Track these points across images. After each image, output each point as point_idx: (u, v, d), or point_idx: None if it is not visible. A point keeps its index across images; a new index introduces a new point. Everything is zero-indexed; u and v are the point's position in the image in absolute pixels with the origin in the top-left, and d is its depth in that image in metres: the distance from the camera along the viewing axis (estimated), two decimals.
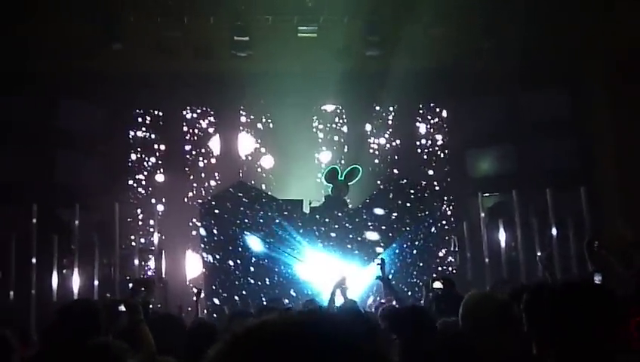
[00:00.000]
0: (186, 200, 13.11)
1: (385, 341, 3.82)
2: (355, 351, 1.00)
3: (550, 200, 11.18)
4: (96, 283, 10.68)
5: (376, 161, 13.83)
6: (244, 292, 9.65)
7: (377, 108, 13.92)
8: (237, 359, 0.98)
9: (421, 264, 10.40)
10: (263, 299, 9.18)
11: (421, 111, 14.19)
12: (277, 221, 9.93)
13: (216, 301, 9.58)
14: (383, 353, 1.07)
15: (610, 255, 5.60)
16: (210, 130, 13.67)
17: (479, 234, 11.78)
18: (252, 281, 9.81)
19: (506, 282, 8.62)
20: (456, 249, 12.66)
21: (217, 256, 10.02)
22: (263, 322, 1.04)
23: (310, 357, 0.97)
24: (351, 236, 10.22)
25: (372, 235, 10.29)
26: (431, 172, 13.96)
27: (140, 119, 13.42)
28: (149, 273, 11.65)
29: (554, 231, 11.22)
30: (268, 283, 9.76)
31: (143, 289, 4.93)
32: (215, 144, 13.63)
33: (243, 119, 13.77)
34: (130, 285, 5.60)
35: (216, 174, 13.48)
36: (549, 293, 3.63)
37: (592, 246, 5.35)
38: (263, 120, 13.74)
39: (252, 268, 9.86)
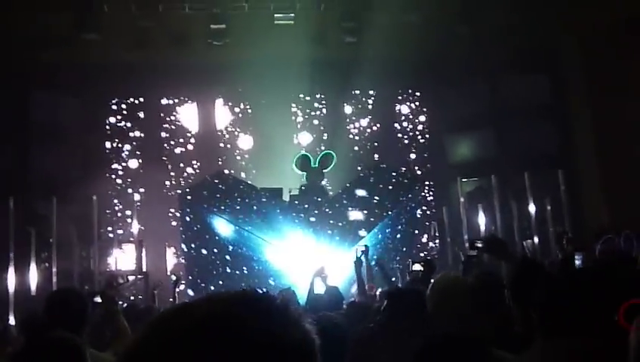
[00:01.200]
0: (164, 190, 13.04)
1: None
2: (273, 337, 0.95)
3: (528, 183, 11.25)
4: (75, 276, 10.58)
5: (356, 147, 13.83)
6: (220, 282, 9.61)
7: (356, 93, 13.90)
8: (151, 344, 0.96)
9: (403, 249, 10.43)
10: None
11: (400, 98, 14.19)
12: (256, 209, 9.88)
13: (190, 292, 9.52)
14: (309, 342, 1.01)
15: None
16: (188, 118, 13.57)
17: (459, 219, 11.83)
18: (229, 270, 9.76)
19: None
20: (437, 234, 12.71)
21: (195, 245, 9.97)
22: (187, 305, 1.02)
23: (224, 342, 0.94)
24: (331, 221, 10.17)
25: (353, 218, 10.25)
26: (412, 157, 14.00)
27: (115, 108, 13.29)
28: (130, 265, 11.56)
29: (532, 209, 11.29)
30: (246, 271, 9.70)
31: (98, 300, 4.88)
32: (193, 132, 13.54)
33: (221, 106, 13.69)
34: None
35: (194, 163, 13.40)
36: (543, 271, 3.66)
37: (562, 241, 5.41)
38: (242, 106, 13.66)
39: (230, 257, 9.80)
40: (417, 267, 5.56)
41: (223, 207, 9.82)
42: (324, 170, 11.32)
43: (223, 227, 9.81)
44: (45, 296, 4.60)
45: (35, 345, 2.56)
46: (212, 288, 8.33)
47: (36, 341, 2.66)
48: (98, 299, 4.93)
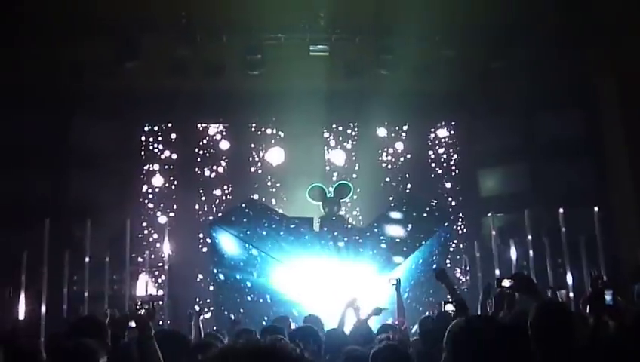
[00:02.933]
0: (196, 216, 13.18)
1: None
2: None
3: (562, 219, 11.07)
4: (106, 299, 10.69)
5: (388, 178, 13.82)
6: (241, 310, 9.54)
7: (389, 125, 13.95)
8: None
9: (435, 282, 10.25)
10: (265, 317, 9.08)
11: (433, 130, 14.18)
12: (283, 236, 9.87)
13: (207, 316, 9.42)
14: None
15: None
16: (224, 146, 13.74)
17: (490, 253, 11.67)
18: (251, 298, 9.69)
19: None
20: (468, 268, 12.56)
21: (220, 271, 9.98)
22: (228, 347, 1.05)
23: None
24: (361, 250, 10.06)
25: (386, 246, 10.12)
26: (444, 189, 13.93)
27: (150, 134, 13.54)
28: (159, 291, 11.65)
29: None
30: (269, 301, 9.59)
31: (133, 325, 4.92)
32: (226, 159, 13.70)
33: (254, 134, 13.84)
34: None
35: (226, 189, 13.53)
36: (567, 313, 3.59)
37: (597, 284, 5.27)
38: (275, 133, 13.79)
39: (252, 285, 9.71)
40: (450, 307, 5.38)
41: (250, 234, 9.79)
42: (341, 200, 11.35)
43: (249, 254, 9.77)
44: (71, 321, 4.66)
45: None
46: (232, 317, 8.24)
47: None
48: (133, 324, 4.98)
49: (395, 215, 10.65)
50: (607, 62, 12.80)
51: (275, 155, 13.72)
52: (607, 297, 4.76)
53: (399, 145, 14.08)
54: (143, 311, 5.53)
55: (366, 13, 11.88)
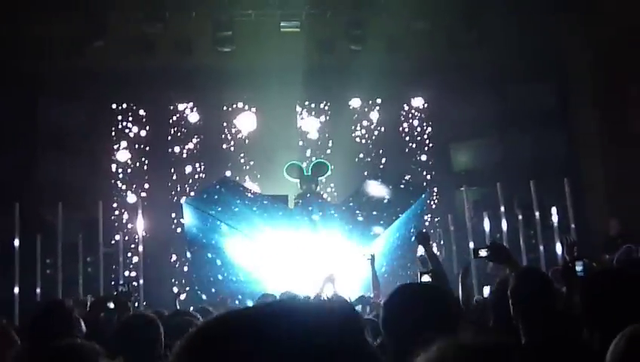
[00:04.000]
0: (169, 196, 13.06)
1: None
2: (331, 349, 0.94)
3: (534, 191, 11.22)
4: (80, 282, 10.59)
5: (362, 154, 13.82)
6: (213, 290, 9.50)
7: (362, 100, 13.92)
8: (193, 355, 0.96)
9: (413, 256, 10.32)
10: (239, 296, 9.06)
11: (406, 104, 14.18)
12: (258, 213, 9.82)
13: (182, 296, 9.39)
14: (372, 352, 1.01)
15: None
16: (194, 123, 13.57)
17: (464, 227, 11.80)
18: (225, 277, 9.64)
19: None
20: (442, 242, 12.69)
21: (194, 251, 9.92)
22: (224, 316, 1.01)
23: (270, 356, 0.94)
24: (337, 224, 10.03)
25: (364, 219, 10.10)
26: (417, 164, 13.98)
27: (120, 114, 13.32)
28: (132, 273, 11.57)
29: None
30: (242, 279, 9.50)
31: (111, 306, 4.90)
32: (198, 138, 13.54)
33: (226, 112, 13.69)
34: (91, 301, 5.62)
35: (198, 168, 13.41)
36: (547, 280, 3.67)
37: (572, 250, 5.35)
38: (247, 111, 13.67)
39: (225, 263, 9.65)
40: (426, 278, 5.36)
41: (222, 211, 9.70)
42: (318, 178, 11.33)
43: (222, 232, 9.69)
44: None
45: (44, 352, 2.56)
46: (204, 297, 8.19)
47: (43, 348, 2.65)
48: (111, 306, 4.96)
49: (371, 189, 10.67)
50: (576, 34, 12.92)
51: (247, 125, 13.56)
52: (578, 268, 4.87)
53: (373, 120, 14.05)
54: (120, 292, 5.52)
55: None
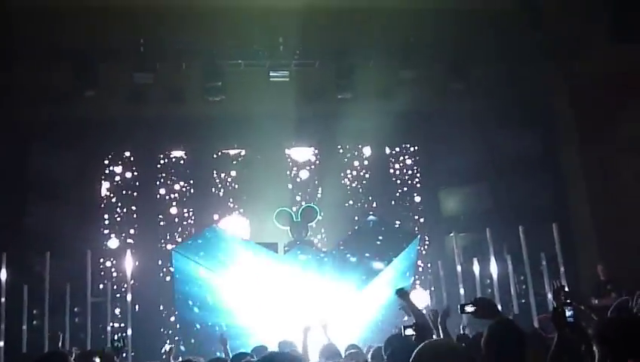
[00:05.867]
0: (159, 245, 13.00)
1: None
2: None
3: (523, 237, 11.26)
4: (67, 333, 10.42)
5: (351, 201, 13.85)
6: (192, 341, 9.35)
7: (351, 148, 14.03)
8: None
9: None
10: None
11: (394, 153, 14.29)
12: (248, 263, 9.77)
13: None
14: None
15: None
16: (184, 170, 13.60)
17: (454, 272, 11.78)
18: (210, 326, 9.52)
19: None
20: (432, 288, 12.65)
21: (182, 301, 9.82)
22: None
23: None
24: (326, 266, 9.99)
25: (356, 260, 10.04)
26: (407, 210, 14.02)
27: (111, 164, 13.34)
28: (121, 323, 11.43)
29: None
30: (225, 329, 9.23)
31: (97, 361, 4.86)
32: (188, 187, 13.55)
33: (217, 161, 13.74)
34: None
35: (188, 217, 13.38)
36: (518, 331, 3.71)
37: (560, 295, 5.38)
38: (235, 162, 13.73)
39: (210, 313, 9.58)
40: (409, 332, 5.26)
41: (211, 260, 9.64)
42: (308, 224, 11.32)
43: (209, 280, 9.57)
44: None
45: None
46: (182, 348, 8.01)
47: None
48: (97, 360, 4.91)
49: (362, 234, 10.67)
50: (560, 81, 13.16)
51: (236, 177, 13.62)
52: (568, 313, 4.87)
53: (362, 166, 14.15)
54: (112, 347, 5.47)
55: (324, 38, 12.01)
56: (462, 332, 6.96)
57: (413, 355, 2.67)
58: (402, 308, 5.96)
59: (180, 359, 6.89)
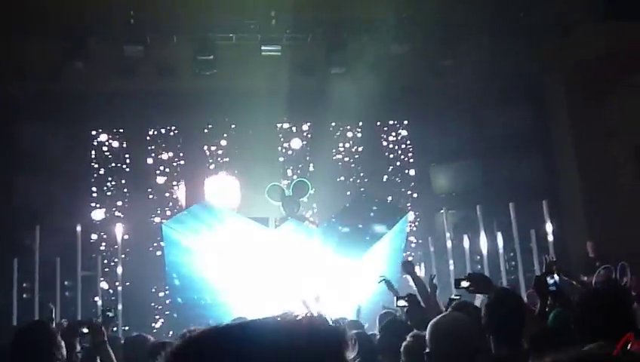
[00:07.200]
0: (150, 219, 12.96)
1: None
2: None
3: (513, 213, 11.32)
4: (58, 306, 10.41)
5: (342, 177, 13.85)
6: (175, 315, 9.34)
7: (343, 123, 13.99)
8: None
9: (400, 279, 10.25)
10: (210, 321, 8.88)
11: (386, 128, 14.28)
12: (240, 237, 9.76)
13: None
14: None
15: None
16: (174, 147, 13.53)
17: (444, 249, 11.85)
18: (182, 300, 9.52)
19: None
20: (423, 264, 12.71)
21: (178, 277, 9.82)
22: (196, 336, 1.02)
23: None
24: (323, 241, 10.00)
25: (350, 231, 10.03)
26: (399, 186, 14.04)
27: (102, 139, 13.24)
28: (112, 297, 11.43)
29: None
30: (214, 301, 9.38)
31: (85, 331, 4.85)
32: (179, 162, 13.50)
33: (207, 136, 13.67)
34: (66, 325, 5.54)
35: (179, 192, 13.34)
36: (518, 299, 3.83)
37: (552, 269, 5.45)
38: (227, 136, 13.66)
39: (203, 287, 9.59)
40: (402, 303, 5.45)
41: (202, 234, 9.63)
42: (300, 199, 11.30)
43: (198, 255, 9.56)
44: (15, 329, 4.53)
45: None
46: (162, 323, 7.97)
47: None
48: (85, 330, 4.91)
49: (355, 210, 10.66)
50: (552, 58, 13.14)
51: (226, 151, 13.56)
52: (550, 281, 4.98)
53: (355, 141, 14.12)
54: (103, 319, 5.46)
55: (317, 12, 11.90)
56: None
57: (428, 328, 2.93)
58: (407, 274, 6.18)
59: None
